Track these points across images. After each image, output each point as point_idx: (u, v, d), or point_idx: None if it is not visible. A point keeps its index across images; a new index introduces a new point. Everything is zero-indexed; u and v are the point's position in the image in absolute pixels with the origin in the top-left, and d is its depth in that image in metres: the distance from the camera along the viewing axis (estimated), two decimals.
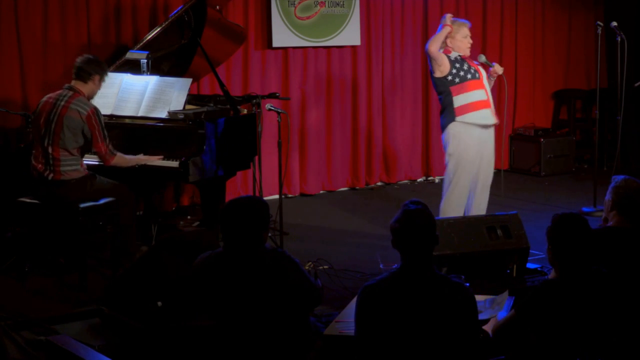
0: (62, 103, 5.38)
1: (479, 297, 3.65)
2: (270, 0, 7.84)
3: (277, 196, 6.66)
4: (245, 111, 6.25)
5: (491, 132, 6.25)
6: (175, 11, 6.47)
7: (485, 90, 6.14)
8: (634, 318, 3.57)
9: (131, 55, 6.22)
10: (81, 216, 5.30)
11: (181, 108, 5.90)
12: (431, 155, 8.88)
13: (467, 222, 5.16)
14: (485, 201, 6.31)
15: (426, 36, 8.75)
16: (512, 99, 9.31)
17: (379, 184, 8.71)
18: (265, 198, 6.82)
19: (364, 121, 8.49)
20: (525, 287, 4.78)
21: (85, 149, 5.51)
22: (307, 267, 5.68)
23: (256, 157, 6.34)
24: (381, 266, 5.74)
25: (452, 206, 6.13)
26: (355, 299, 3.41)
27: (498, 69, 6.23)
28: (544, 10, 9.62)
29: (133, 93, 6.04)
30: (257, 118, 6.24)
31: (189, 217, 7.15)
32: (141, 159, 5.73)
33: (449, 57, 6.07)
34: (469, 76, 6.05)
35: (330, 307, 4.83)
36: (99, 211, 5.41)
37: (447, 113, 6.11)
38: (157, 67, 6.41)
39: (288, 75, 8.02)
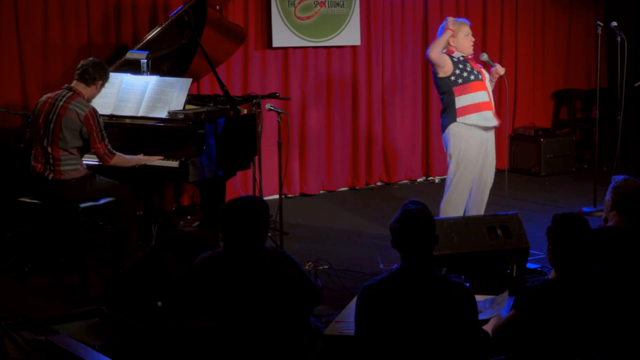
0: (61, 103, 5.38)
1: (479, 297, 3.65)
2: (270, 0, 7.85)
3: (277, 196, 6.67)
4: (245, 111, 6.25)
5: (492, 133, 6.24)
6: (175, 11, 6.47)
7: (488, 92, 6.13)
8: (634, 318, 3.57)
9: (131, 55, 6.22)
10: (81, 216, 5.30)
11: (181, 108, 5.90)
12: (431, 155, 8.88)
13: (467, 222, 5.17)
14: (484, 201, 6.31)
15: (426, 36, 8.76)
16: (512, 99, 9.31)
17: (379, 184, 8.71)
18: (265, 198, 6.82)
19: (364, 121, 8.49)
20: (525, 287, 4.78)
21: (85, 149, 5.51)
22: (307, 267, 5.68)
23: (256, 157, 6.34)
24: (381, 266, 5.74)
25: (452, 206, 6.12)
26: (355, 299, 3.41)
27: (500, 69, 6.21)
28: (544, 11, 9.62)
29: (133, 93, 6.04)
30: (257, 118, 6.24)
31: (189, 217, 7.16)
32: (141, 159, 5.73)
33: (452, 58, 6.06)
34: (472, 77, 6.04)
35: (330, 307, 4.82)
36: (99, 211, 5.41)
37: (449, 113, 6.10)
38: (157, 67, 6.41)
39: (288, 75, 8.02)
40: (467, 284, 3.51)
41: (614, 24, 7.31)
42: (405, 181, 8.82)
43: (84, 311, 4.87)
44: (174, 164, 5.71)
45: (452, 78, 6.03)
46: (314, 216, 7.48)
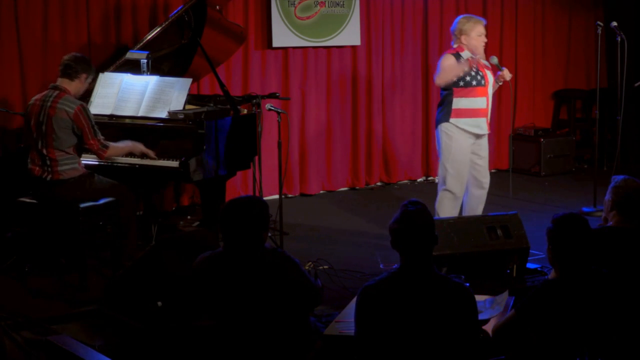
0: (49, 104, 5.36)
1: (479, 297, 3.65)
2: (270, 0, 7.85)
3: (277, 196, 6.67)
4: (245, 111, 6.24)
5: (485, 137, 6.27)
6: (175, 11, 6.47)
7: (487, 99, 6.14)
8: (634, 318, 3.57)
9: (131, 55, 6.22)
10: (81, 216, 5.30)
11: (181, 108, 5.90)
12: (431, 155, 8.88)
13: (467, 222, 5.17)
14: (481, 201, 6.33)
15: (426, 36, 8.76)
16: (512, 99, 9.30)
17: (379, 184, 8.71)
18: (265, 198, 6.83)
19: (364, 121, 8.49)
20: (525, 287, 4.78)
21: (81, 148, 5.50)
22: (307, 267, 5.68)
23: (256, 157, 6.34)
24: (381, 266, 5.74)
25: (446, 205, 6.16)
26: (355, 299, 3.41)
27: (507, 75, 6.21)
28: (544, 11, 9.62)
29: (133, 93, 6.04)
30: (257, 118, 6.24)
31: (189, 217, 7.16)
32: (131, 146, 5.67)
33: (461, 58, 6.04)
34: (474, 82, 6.04)
35: (330, 307, 4.82)
36: (99, 211, 5.41)
37: (444, 110, 6.12)
38: (157, 67, 6.41)
39: (288, 75, 8.02)
40: (467, 284, 3.51)
41: (614, 24, 7.31)
42: (405, 181, 8.82)
43: (84, 311, 4.87)
44: (174, 163, 5.71)
45: (455, 79, 6.02)
46: (314, 216, 7.48)
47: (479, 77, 6.06)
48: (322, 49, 8.20)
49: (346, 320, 4.03)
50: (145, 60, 6.20)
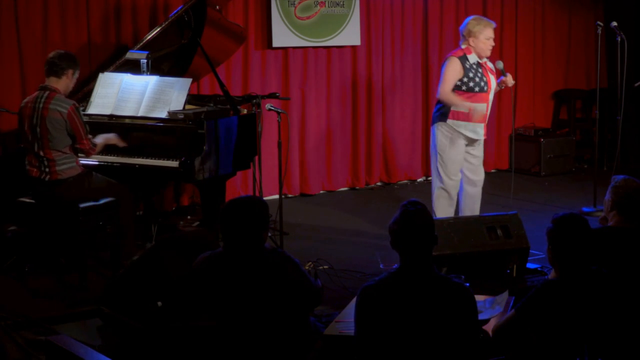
0: (41, 105, 5.37)
1: (479, 297, 3.65)
2: (270, 0, 7.85)
3: (277, 196, 6.67)
4: (245, 111, 6.24)
5: (480, 141, 6.29)
6: (175, 11, 6.47)
7: (487, 105, 6.16)
8: (634, 318, 3.57)
9: (131, 55, 6.22)
10: (81, 216, 5.30)
11: (181, 108, 5.90)
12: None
13: (467, 222, 5.17)
14: (477, 199, 6.35)
15: (426, 36, 8.76)
16: (512, 99, 9.29)
17: (379, 184, 8.71)
18: (265, 198, 6.83)
19: (364, 121, 8.49)
20: (525, 287, 4.78)
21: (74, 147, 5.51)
22: (307, 267, 5.68)
23: (256, 157, 6.34)
24: (381, 266, 5.74)
25: (442, 204, 6.19)
26: (355, 299, 3.41)
27: (509, 81, 6.23)
28: (544, 11, 9.62)
29: (133, 93, 6.04)
30: (257, 118, 6.24)
31: (189, 217, 7.16)
32: (104, 140, 5.68)
33: (467, 61, 6.04)
34: (477, 89, 6.05)
35: (330, 307, 4.83)
36: (99, 211, 5.41)
37: (443, 109, 6.14)
38: (157, 67, 6.41)
39: (288, 75, 8.02)
40: (467, 284, 3.50)
41: (614, 24, 7.31)
42: (405, 181, 8.82)
43: (84, 311, 4.87)
44: (174, 163, 5.71)
45: (458, 83, 6.03)
46: (314, 216, 7.48)
47: (482, 84, 6.07)
48: (322, 49, 8.20)
49: (346, 320, 4.02)
50: (145, 60, 6.20)
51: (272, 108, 6.16)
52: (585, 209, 7.31)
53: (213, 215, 5.82)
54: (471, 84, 6.03)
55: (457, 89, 6.04)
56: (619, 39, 7.31)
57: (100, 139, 5.68)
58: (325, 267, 5.73)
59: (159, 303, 4.40)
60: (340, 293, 5.24)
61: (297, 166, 8.17)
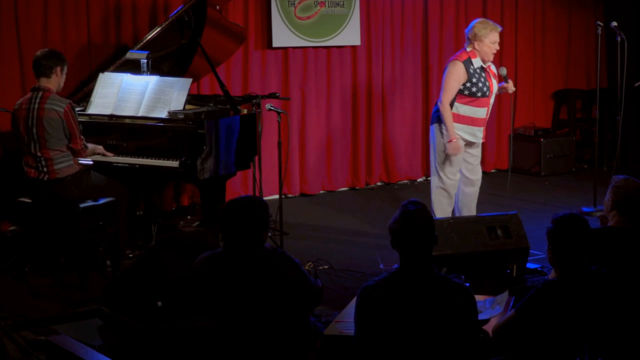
0: (36, 106, 5.37)
1: (479, 297, 3.65)
2: (270, 0, 7.84)
3: (277, 196, 6.67)
4: (245, 111, 6.25)
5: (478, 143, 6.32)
6: (175, 11, 6.47)
7: (488, 109, 6.19)
8: (634, 318, 3.57)
9: (131, 55, 6.22)
10: (81, 216, 5.30)
11: (181, 108, 5.90)
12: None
13: (467, 222, 5.17)
14: (474, 198, 6.37)
15: (426, 36, 8.76)
16: (512, 98, 9.30)
17: (379, 184, 8.71)
18: (265, 198, 6.82)
19: (363, 121, 8.49)
20: (525, 287, 4.78)
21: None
22: (307, 267, 5.68)
23: (256, 157, 6.34)
24: (381, 266, 5.74)
25: (441, 202, 6.20)
26: (355, 299, 3.41)
27: (510, 88, 6.27)
28: (544, 10, 9.62)
29: (133, 93, 6.04)
30: (257, 118, 6.24)
31: (189, 217, 7.16)
32: (92, 148, 5.71)
33: (471, 65, 6.05)
34: (479, 94, 6.06)
35: (330, 307, 4.83)
36: (98, 211, 5.41)
37: None
38: (157, 67, 6.41)
39: (288, 75, 8.02)
40: (467, 284, 3.51)
41: (614, 24, 7.31)
42: (405, 181, 8.82)
43: (84, 311, 4.87)
44: (174, 163, 5.71)
45: (461, 87, 6.04)
46: (314, 216, 7.48)
47: (484, 89, 6.08)
48: (322, 49, 8.20)
49: (346, 320, 4.03)
50: (145, 60, 6.20)
51: (272, 108, 6.16)
52: (585, 209, 7.31)
53: (213, 215, 5.82)
54: (474, 89, 6.04)
55: (460, 93, 6.05)
56: (619, 39, 7.31)
57: (90, 145, 5.69)
58: (325, 267, 5.73)
59: (159, 303, 4.40)
60: (340, 293, 5.23)
61: (297, 166, 8.17)
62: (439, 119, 6.16)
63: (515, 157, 9.30)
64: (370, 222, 7.16)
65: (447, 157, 6.13)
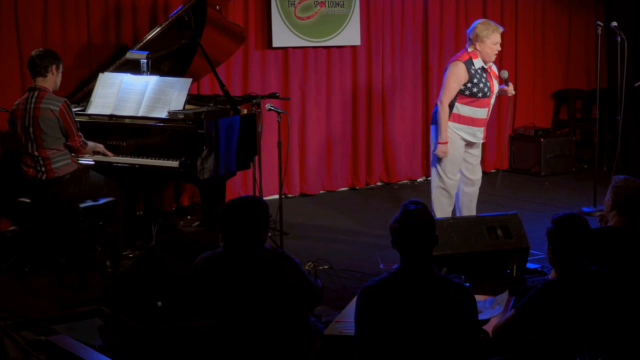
0: (32, 105, 5.37)
1: (479, 297, 3.65)
2: (270, 0, 7.84)
3: (277, 196, 6.67)
4: (245, 111, 6.25)
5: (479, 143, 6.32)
6: (175, 11, 6.47)
7: (488, 109, 6.19)
8: (634, 318, 3.57)
9: (131, 55, 6.22)
10: (81, 216, 5.30)
11: (181, 108, 5.90)
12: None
13: (467, 222, 5.17)
14: (474, 197, 6.37)
15: (426, 36, 8.75)
16: (512, 99, 9.30)
17: (379, 184, 8.71)
18: (265, 198, 6.83)
19: (363, 121, 8.49)
20: (525, 287, 4.78)
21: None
22: (307, 267, 5.68)
23: (256, 157, 6.34)
24: (381, 266, 5.74)
25: (441, 202, 6.20)
26: (355, 299, 3.41)
27: (510, 91, 6.27)
28: (543, 10, 9.62)
29: (133, 93, 6.04)
30: (257, 118, 6.24)
31: (189, 217, 7.16)
32: (93, 146, 5.71)
33: (472, 66, 6.04)
34: (480, 95, 6.06)
35: (330, 307, 4.83)
36: (99, 211, 5.41)
37: None
38: (157, 67, 6.41)
39: (288, 75, 8.02)
40: (467, 284, 3.51)
41: (614, 24, 7.31)
42: (405, 181, 8.82)
43: (84, 311, 4.87)
44: (174, 163, 5.71)
45: (462, 87, 6.04)
46: (314, 216, 7.48)
47: (485, 90, 6.08)
48: (322, 49, 8.20)
49: (346, 320, 4.03)
50: (145, 60, 6.20)
51: (272, 108, 6.16)
52: (585, 209, 7.31)
53: (213, 215, 5.82)
54: (475, 90, 6.04)
55: (460, 93, 6.05)
56: (619, 39, 7.31)
57: (91, 143, 5.69)
58: (325, 267, 5.73)
59: (159, 303, 4.40)
60: (340, 293, 5.23)
61: (297, 166, 8.17)
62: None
63: (515, 157, 9.32)
64: (370, 222, 7.16)
65: (447, 157, 6.13)
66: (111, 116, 6.00)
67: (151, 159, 5.81)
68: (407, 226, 3.27)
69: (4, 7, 6.59)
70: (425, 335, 3.19)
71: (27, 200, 5.46)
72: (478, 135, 6.19)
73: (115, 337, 4.52)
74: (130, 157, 5.85)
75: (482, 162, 6.60)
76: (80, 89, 6.49)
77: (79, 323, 4.76)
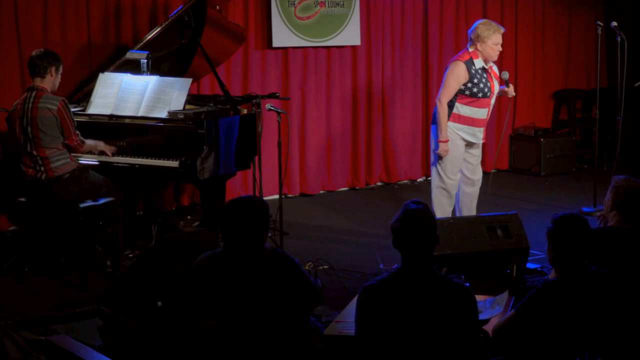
0: (30, 105, 5.38)
1: (479, 297, 3.65)
2: (270, 0, 7.84)
3: (277, 196, 6.67)
4: (245, 111, 6.25)
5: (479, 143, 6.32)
6: (175, 11, 6.47)
7: (489, 110, 6.19)
8: (634, 318, 3.57)
9: (131, 55, 6.22)
10: (81, 216, 5.30)
11: (181, 108, 5.90)
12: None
13: (467, 222, 5.17)
14: (474, 197, 6.37)
15: (426, 36, 8.75)
16: (512, 99, 9.30)
17: (379, 184, 8.71)
18: (265, 198, 6.83)
19: (363, 121, 8.49)
20: (525, 287, 4.78)
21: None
22: (307, 267, 5.68)
23: (256, 157, 6.34)
24: (381, 266, 5.74)
25: (442, 202, 6.21)
26: (355, 299, 3.41)
27: (510, 93, 6.27)
28: (543, 10, 9.62)
29: (133, 93, 6.05)
30: (257, 118, 6.24)
31: (189, 217, 7.16)
32: (94, 144, 5.72)
33: (473, 66, 6.04)
34: (480, 95, 6.06)
35: (330, 307, 4.83)
36: (98, 211, 5.41)
37: None
38: (157, 67, 6.41)
39: (288, 75, 8.02)
40: (467, 284, 3.51)
41: (614, 24, 7.31)
42: (405, 181, 8.82)
43: (84, 311, 4.87)
44: (174, 163, 5.71)
45: (462, 87, 6.04)
46: (314, 216, 7.48)
47: (485, 90, 6.08)
48: (322, 49, 8.20)
49: (346, 320, 4.03)
50: (145, 60, 6.20)
51: (272, 108, 6.16)
52: (585, 209, 7.31)
53: (213, 215, 5.82)
54: (475, 90, 6.04)
55: (460, 93, 6.05)
56: (619, 39, 7.31)
57: (91, 141, 5.69)
58: (325, 267, 5.73)
59: (159, 303, 4.40)
60: (340, 293, 5.24)
61: (297, 166, 8.17)
62: None
63: (515, 157, 9.32)
64: (370, 222, 7.16)
65: (447, 157, 6.13)
66: (111, 116, 6.00)
67: (151, 159, 5.81)
68: (408, 226, 3.27)
69: (4, 7, 6.59)
70: (425, 335, 3.19)
71: (27, 200, 5.46)
72: (478, 135, 6.20)
73: (115, 337, 4.52)
74: (130, 157, 5.85)
75: (482, 162, 6.59)
76: (80, 89, 6.50)
77: (79, 323, 4.76)
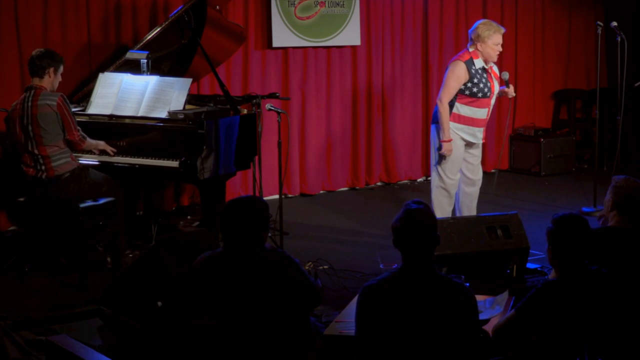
0: (29, 104, 5.38)
1: (479, 297, 3.65)
2: (270, 0, 7.84)
3: (277, 196, 6.67)
4: (245, 111, 6.25)
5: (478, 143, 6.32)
6: (175, 11, 6.47)
7: (489, 110, 6.19)
8: (634, 318, 3.57)
9: (131, 55, 6.22)
10: (81, 216, 5.30)
11: (181, 108, 5.90)
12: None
13: (467, 222, 5.17)
14: (474, 197, 6.37)
15: (426, 36, 8.75)
16: (512, 99, 9.30)
17: (379, 184, 8.71)
18: (265, 198, 6.83)
19: (363, 121, 8.49)
20: (525, 287, 4.78)
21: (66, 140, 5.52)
22: (307, 267, 5.68)
23: (256, 157, 6.34)
24: (381, 266, 5.74)
25: (442, 202, 6.21)
26: (355, 299, 3.41)
27: (510, 93, 6.28)
28: (543, 10, 9.62)
29: (133, 93, 6.05)
30: (257, 118, 6.24)
31: (189, 217, 7.16)
32: (95, 144, 5.73)
33: (473, 66, 6.04)
34: (480, 95, 6.06)
35: (330, 307, 4.83)
36: (99, 211, 5.41)
37: None
38: (157, 67, 6.41)
39: (288, 75, 8.02)
40: (467, 284, 3.51)
41: (614, 24, 7.31)
42: (405, 181, 8.82)
43: (84, 311, 4.87)
44: (174, 163, 5.71)
45: (462, 87, 6.04)
46: (314, 216, 7.48)
47: (485, 90, 6.08)
48: (322, 49, 8.20)
49: (346, 320, 4.03)
50: (145, 60, 6.20)
51: (272, 108, 6.16)
52: (585, 209, 7.31)
53: (213, 215, 5.82)
54: (475, 90, 6.04)
55: (460, 92, 6.05)
56: (619, 39, 7.31)
57: (91, 141, 5.69)
58: (325, 267, 5.73)
59: (159, 303, 4.40)
60: (340, 293, 5.24)
61: (297, 166, 8.17)
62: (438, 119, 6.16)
63: (515, 157, 9.32)
64: (370, 222, 7.16)
65: (447, 157, 6.14)
66: (111, 116, 6.00)
67: (151, 159, 5.81)
68: (409, 225, 3.27)
69: (4, 7, 6.59)
70: (425, 335, 3.19)
71: (27, 200, 5.46)
72: (478, 135, 6.20)
73: (115, 337, 4.53)
74: (130, 157, 5.85)
75: (482, 162, 6.59)
76: (80, 89, 6.50)
77: (79, 323, 4.76)
